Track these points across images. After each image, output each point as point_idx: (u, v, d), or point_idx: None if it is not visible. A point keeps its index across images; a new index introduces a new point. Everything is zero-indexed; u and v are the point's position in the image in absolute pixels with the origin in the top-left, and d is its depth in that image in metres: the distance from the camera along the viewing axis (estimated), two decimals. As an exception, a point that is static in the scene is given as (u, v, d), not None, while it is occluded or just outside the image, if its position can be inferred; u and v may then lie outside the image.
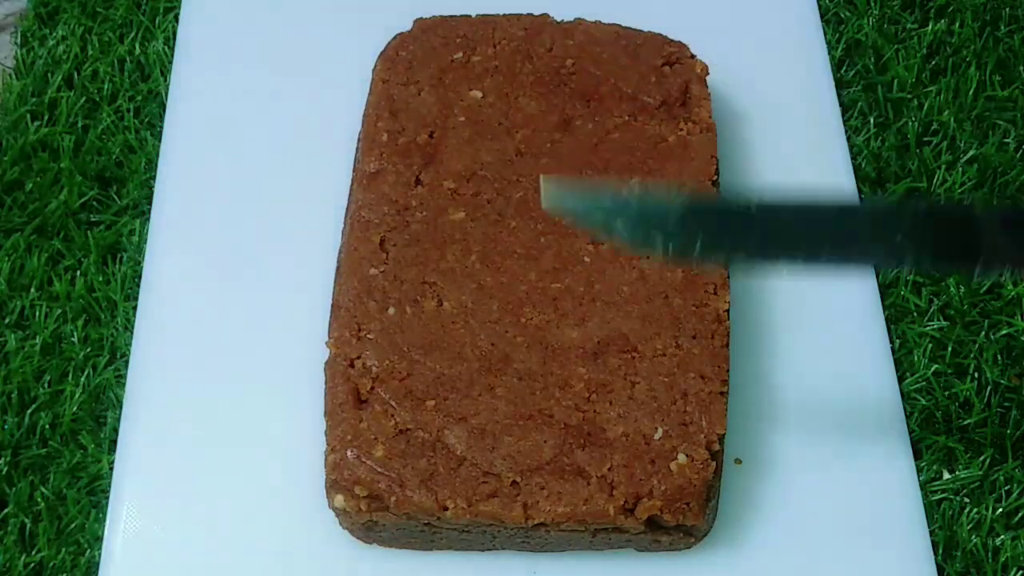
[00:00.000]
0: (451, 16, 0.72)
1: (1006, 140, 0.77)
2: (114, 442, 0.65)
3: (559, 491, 0.57)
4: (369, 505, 0.57)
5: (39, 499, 0.64)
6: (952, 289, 0.71)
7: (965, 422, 0.67)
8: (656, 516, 0.57)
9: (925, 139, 0.77)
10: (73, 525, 0.63)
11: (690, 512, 0.57)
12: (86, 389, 0.67)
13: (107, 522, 0.62)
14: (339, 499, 0.57)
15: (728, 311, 0.62)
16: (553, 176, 0.51)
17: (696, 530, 0.59)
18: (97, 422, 0.67)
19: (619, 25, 0.72)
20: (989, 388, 0.68)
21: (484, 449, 0.57)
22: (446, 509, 0.56)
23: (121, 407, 0.66)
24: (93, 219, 0.73)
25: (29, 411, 0.66)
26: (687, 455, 0.57)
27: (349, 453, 0.57)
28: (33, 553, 0.62)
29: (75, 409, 0.66)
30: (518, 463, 0.57)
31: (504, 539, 0.60)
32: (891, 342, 0.69)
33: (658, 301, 0.62)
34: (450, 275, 0.62)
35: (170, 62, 0.78)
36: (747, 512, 0.63)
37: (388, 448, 0.57)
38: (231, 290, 0.69)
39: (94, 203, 0.74)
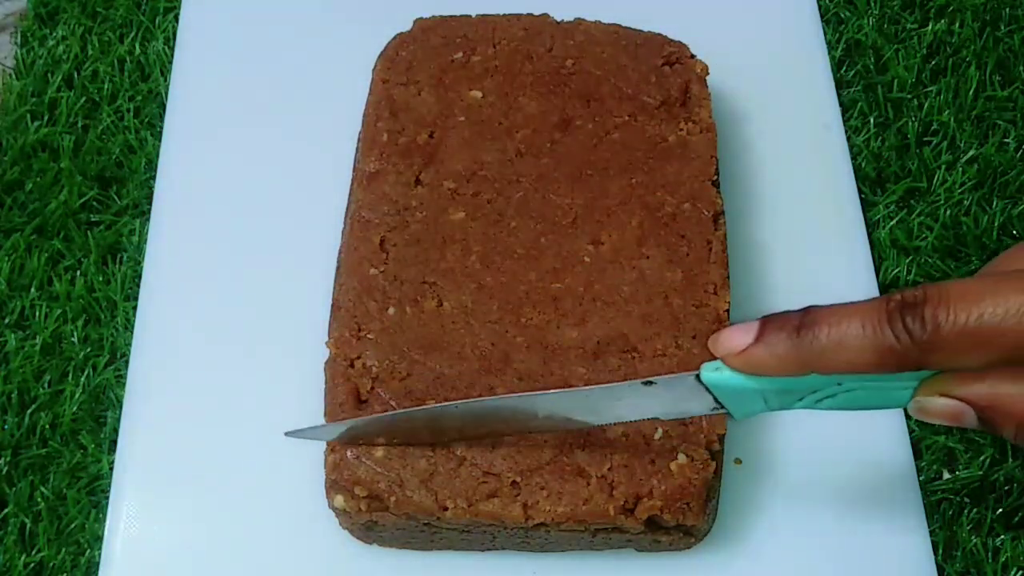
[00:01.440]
0: (451, 16, 0.72)
1: (1006, 140, 0.77)
2: (114, 442, 0.65)
3: (559, 491, 0.57)
4: (369, 505, 0.57)
5: (39, 499, 0.64)
6: (952, 289, 0.71)
7: (965, 422, 0.67)
8: (656, 516, 0.57)
9: (925, 139, 0.77)
10: (73, 525, 0.63)
11: (690, 512, 0.57)
12: (86, 389, 0.67)
13: (107, 522, 0.62)
14: (339, 499, 0.57)
15: (728, 311, 0.62)
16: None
17: (696, 530, 0.59)
18: (97, 422, 0.67)
19: (619, 25, 0.72)
20: (989, 388, 0.68)
21: (484, 449, 0.57)
22: (446, 509, 0.56)
23: (121, 407, 0.66)
24: (93, 219, 0.73)
25: (29, 411, 0.66)
26: (687, 455, 0.57)
27: (349, 453, 0.57)
28: (33, 553, 0.62)
29: (75, 409, 0.66)
30: (518, 463, 0.57)
31: (504, 539, 0.60)
32: (891, 342, 0.69)
33: (658, 301, 0.62)
34: (450, 275, 0.62)
35: (170, 62, 0.78)
36: (747, 512, 0.63)
37: (388, 448, 0.57)
38: (231, 290, 0.69)
39: (94, 203, 0.74)
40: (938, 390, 0.47)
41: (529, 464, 0.57)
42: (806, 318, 0.46)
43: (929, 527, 0.63)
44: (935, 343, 0.44)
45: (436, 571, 0.61)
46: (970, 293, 0.44)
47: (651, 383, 0.51)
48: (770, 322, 0.47)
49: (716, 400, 0.51)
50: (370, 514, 0.57)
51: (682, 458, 0.57)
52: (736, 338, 0.48)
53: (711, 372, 0.49)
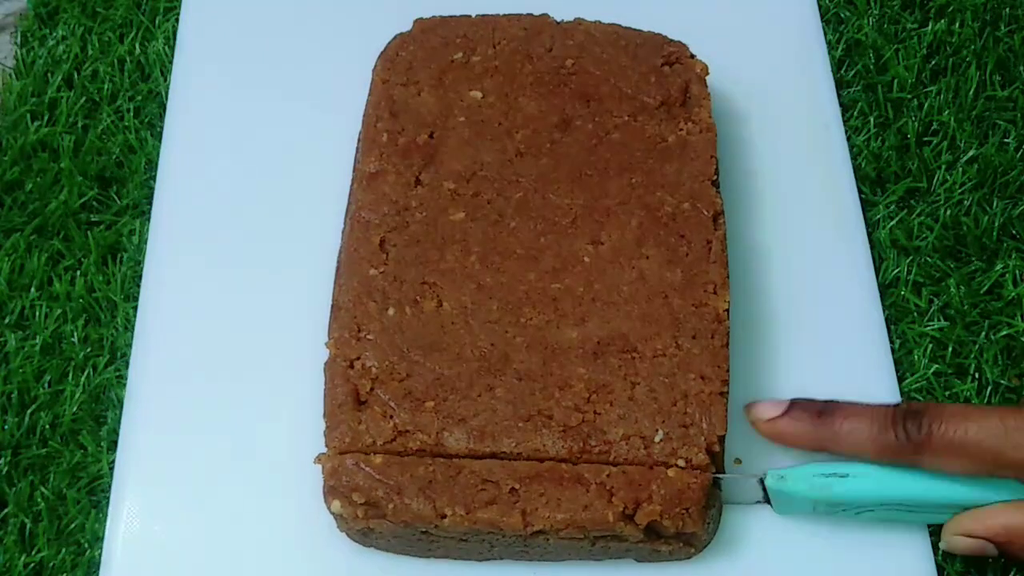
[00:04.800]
0: (451, 16, 0.72)
1: (1006, 140, 0.77)
2: (114, 442, 0.65)
3: (558, 498, 0.57)
4: (366, 512, 0.57)
5: (39, 499, 0.64)
6: (952, 289, 0.71)
7: (965, 422, 0.67)
8: (656, 523, 0.57)
9: (925, 139, 0.77)
10: (73, 525, 0.63)
11: (689, 519, 0.57)
12: (86, 389, 0.67)
13: (107, 522, 0.62)
14: (336, 504, 0.57)
15: (728, 311, 0.62)
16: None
17: (696, 539, 0.59)
18: (97, 422, 0.67)
19: (619, 25, 0.72)
20: (989, 388, 0.68)
21: (483, 453, 0.57)
22: (444, 517, 0.56)
23: (121, 407, 0.66)
24: (93, 219, 0.73)
25: (29, 411, 0.66)
26: (686, 459, 0.57)
27: (348, 460, 0.57)
28: (33, 553, 0.62)
29: (75, 409, 0.66)
30: (517, 470, 0.57)
31: (503, 548, 0.59)
32: (891, 342, 0.69)
33: (658, 301, 0.62)
34: (450, 275, 0.62)
35: (170, 62, 0.78)
36: (747, 512, 0.63)
37: (386, 456, 0.57)
38: (231, 290, 0.69)
39: (94, 203, 0.74)
40: (960, 531, 0.58)
41: (528, 471, 0.57)
42: (827, 407, 0.59)
43: (929, 527, 0.63)
44: (926, 446, 0.56)
45: (435, 573, 0.61)
46: (961, 414, 0.56)
47: (719, 479, 0.59)
48: (797, 404, 0.60)
49: (766, 497, 0.60)
50: (367, 521, 0.57)
51: (681, 463, 0.57)
52: (768, 410, 0.60)
53: (775, 480, 0.59)
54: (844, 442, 0.58)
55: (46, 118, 0.77)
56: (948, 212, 0.74)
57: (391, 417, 0.58)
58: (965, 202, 0.74)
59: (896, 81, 0.79)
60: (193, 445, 0.64)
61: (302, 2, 0.81)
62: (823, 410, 0.59)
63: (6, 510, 0.64)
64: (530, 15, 0.72)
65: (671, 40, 0.71)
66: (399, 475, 0.57)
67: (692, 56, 0.71)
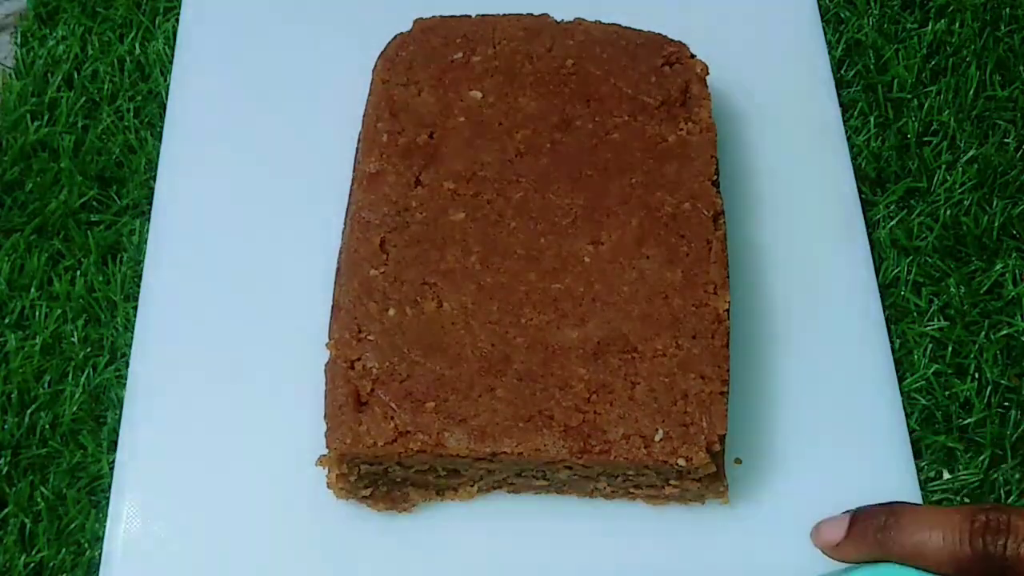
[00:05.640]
0: (451, 16, 0.72)
1: (1006, 140, 0.77)
2: (114, 442, 0.65)
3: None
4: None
5: (39, 499, 0.64)
6: (952, 289, 0.71)
7: (965, 422, 0.67)
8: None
9: (925, 139, 0.77)
10: (73, 525, 0.63)
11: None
12: (86, 389, 0.67)
13: (107, 522, 0.62)
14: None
15: (728, 311, 0.62)
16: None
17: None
18: (97, 422, 0.67)
19: (619, 25, 0.72)
20: (989, 388, 0.68)
21: (484, 454, 0.58)
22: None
23: (121, 407, 0.66)
24: (93, 219, 0.73)
25: (29, 411, 0.66)
26: (686, 458, 0.58)
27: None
28: (33, 553, 0.62)
29: (75, 409, 0.66)
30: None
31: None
32: (891, 342, 0.69)
33: (658, 301, 0.62)
34: (450, 276, 0.62)
35: (170, 62, 0.78)
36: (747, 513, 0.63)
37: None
38: (231, 290, 0.69)
39: (94, 203, 0.74)
40: None
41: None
42: (891, 519, 0.52)
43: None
44: (1014, 569, 0.49)
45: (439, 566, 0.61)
46: None
47: None
48: (858, 518, 0.54)
49: None
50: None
51: (681, 461, 0.58)
52: (832, 533, 0.55)
53: None
54: (913, 556, 0.51)
55: (46, 118, 0.77)
56: (948, 212, 0.74)
57: (392, 418, 0.58)
58: (965, 202, 0.74)
59: (896, 81, 0.79)
60: (193, 445, 0.64)
61: (302, 2, 0.81)
62: (886, 524, 0.52)
63: (6, 510, 0.64)
64: (530, 15, 0.72)
65: (671, 40, 0.71)
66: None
67: (692, 56, 0.71)
